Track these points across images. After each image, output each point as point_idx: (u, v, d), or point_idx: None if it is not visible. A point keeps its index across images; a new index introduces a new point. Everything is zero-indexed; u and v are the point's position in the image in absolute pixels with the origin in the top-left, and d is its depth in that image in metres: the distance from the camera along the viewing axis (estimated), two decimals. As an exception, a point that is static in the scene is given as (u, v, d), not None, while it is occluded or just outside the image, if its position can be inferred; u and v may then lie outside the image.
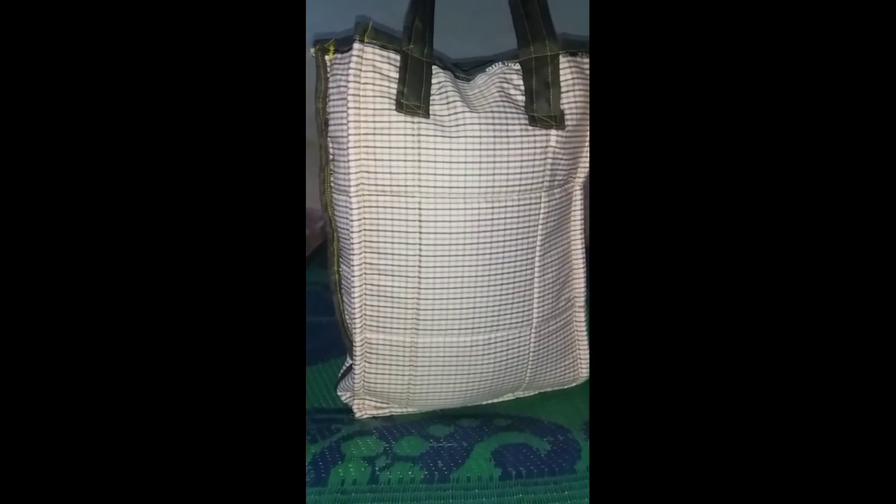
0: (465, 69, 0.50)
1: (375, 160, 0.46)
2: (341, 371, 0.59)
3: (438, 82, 0.46)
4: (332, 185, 0.49)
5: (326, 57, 0.46)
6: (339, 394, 0.57)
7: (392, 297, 0.49)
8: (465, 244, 0.48)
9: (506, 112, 0.47)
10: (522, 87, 0.48)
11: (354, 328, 0.51)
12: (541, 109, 0.48)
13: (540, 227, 0.50)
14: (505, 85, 0.48)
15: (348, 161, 0.46)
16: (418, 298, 0.49)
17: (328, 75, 0.46)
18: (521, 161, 0.47)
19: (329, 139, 0.48)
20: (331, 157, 0.49)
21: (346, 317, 0.52)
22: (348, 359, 0.56)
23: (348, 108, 0.44)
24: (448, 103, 0.46)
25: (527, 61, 0.48)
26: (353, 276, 0.49)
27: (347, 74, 0.44)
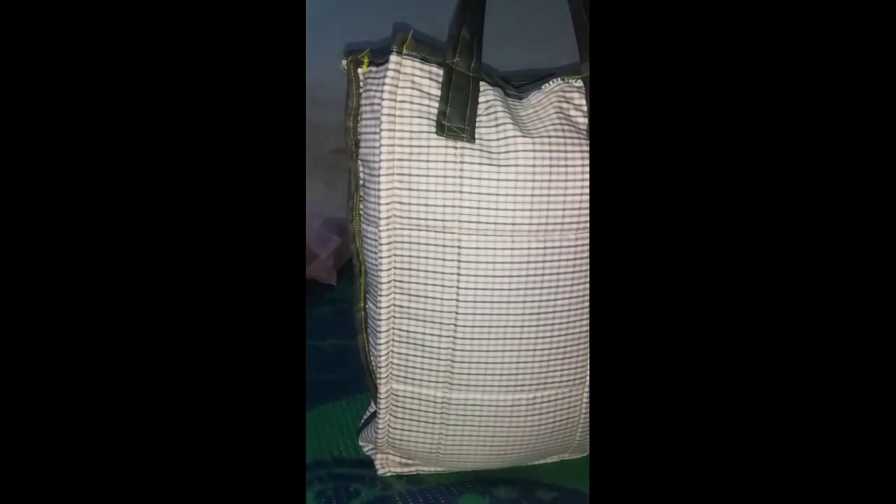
0: (516, 85, 0.43)
1: (410, 190, 0.39)
2: (364, 417, 0.53)
3: (486, 101, 0.40)
4: (360, 213, 0.43)
5: (360, 70, 0.41)
6: (360, 444, 0.51)
7: (423, 345, 0.43)
8: (510, 290, 0.41)
9: (565, 137, 0.40)
10: (584, 108, 0.41)
11: (380, 377, 0.44)
12: None
13: (599, 270, 0.43)
14: (564, 105, 0.41)
15: (379, 189, 0.40)
16: (453, 349, 0.42)
17: (361, 91, 0.41)
18: (582, 195, 0.40)
19: (360, 162, 0.42)
20: (361, 182, 0.43)
21: (372, 360, 0.46)
22: (372, 404, 0.50)
23: (381, 129, 0.38)
24: (497, 126, 0.40)
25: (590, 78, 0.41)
26: (379, 319, 0.43)
27: (382, 90, 0.38)
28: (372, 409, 0.51)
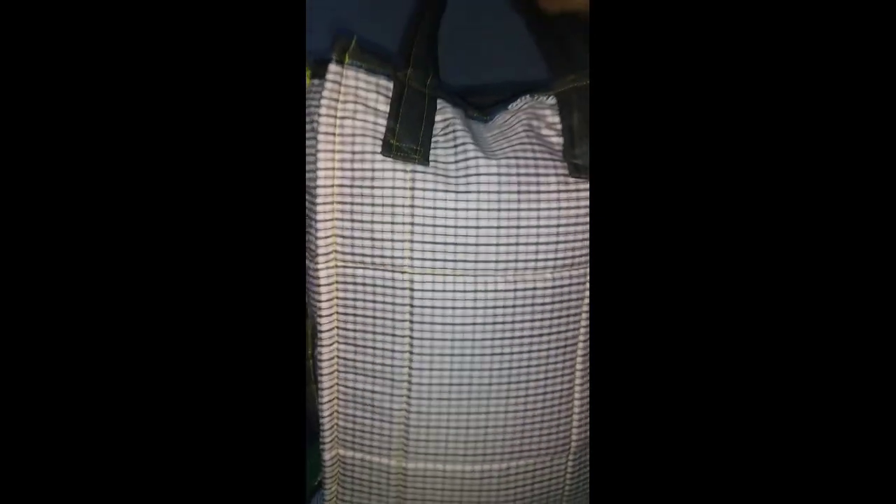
0: (479, 106, 0.38)
1: (353, 221, 0.33)
2: (317, 480, 0.46)
3: (444, 119, 0.34)
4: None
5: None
6: (311, 513, 0.44)
7: (374, 406, 0.36)
8: (474, 340, 0.34)
9: (536, 158, 0.34)
10: (558, 127, 0.35)
11: (324, 442, 0.37)
12: (585, 155, 0.34)
13: (584, 315, 0.36)
14: (535, 122, 0.36)
15: (316, 220, 0.34)
16: (408, 411, 0.35)
17: (307, 106, 0.35)
18: (558, 225, 0.34)
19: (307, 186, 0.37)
20: (308, 207, 0.37)
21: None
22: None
23: (318, 149, 0.33)
24: (455, 146, 0.34)
25: (565, 93, 0.35)
26: (321, 374, 0.36)
27: (319, 105, 0.33)
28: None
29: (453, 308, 0.34)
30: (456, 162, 0.33)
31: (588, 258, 0.35)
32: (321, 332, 0.35)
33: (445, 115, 0.34)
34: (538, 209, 0.34)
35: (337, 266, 0.34)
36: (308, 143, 0.35)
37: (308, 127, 0.35)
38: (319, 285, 0.34)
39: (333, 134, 0.33)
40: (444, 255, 0.33)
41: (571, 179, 0.34)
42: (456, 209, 0.33)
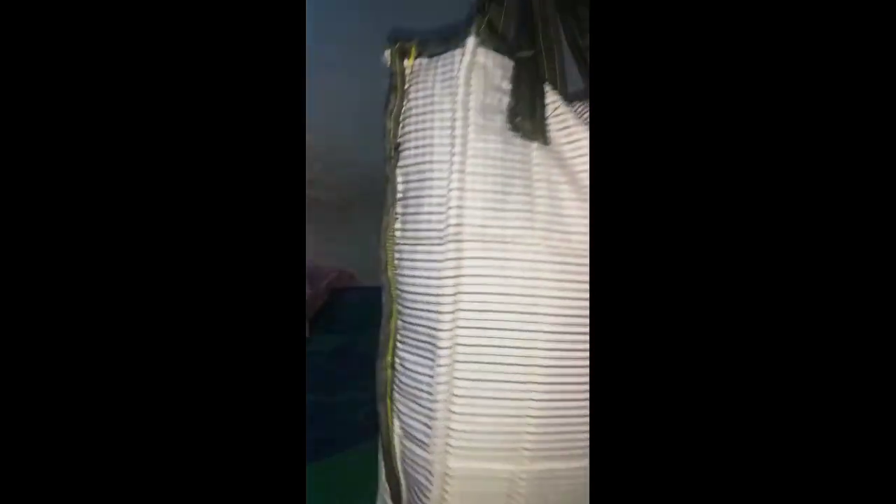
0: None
1: (484, 197, 0.32)
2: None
3: (552, 101, 0.36)
4: (399, 232, 0.34)
5: (405, 62, 0.33)
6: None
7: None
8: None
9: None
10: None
11: (434, 455, 0.33)
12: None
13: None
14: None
15: (449, 198, 0.31)
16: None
17: (407, 87, 0.33)
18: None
19: (399, 172, 0.34)
20: (400, 195, 0.34)
21: (399, 430, 0.34)
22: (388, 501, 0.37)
23: (455, 121, 0.31)
24: (565, 128, 0.35)
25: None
26: (439, 375, 0.32)
27: (458, 77, 0.31)
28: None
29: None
30: (568, 143, 0.34)
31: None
32: (442, 323, 0.32)
33: (552, 97, 0.35)
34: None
35: (462, 248, 0.32)
36: (422, 118, 0.33)
37: (418, 105, 0.33)
38: (444, 268, 0.31)
39: (468, 109, 0.31)
40: (565, 227, 0.33)
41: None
42: (573, 186, 0.34)
